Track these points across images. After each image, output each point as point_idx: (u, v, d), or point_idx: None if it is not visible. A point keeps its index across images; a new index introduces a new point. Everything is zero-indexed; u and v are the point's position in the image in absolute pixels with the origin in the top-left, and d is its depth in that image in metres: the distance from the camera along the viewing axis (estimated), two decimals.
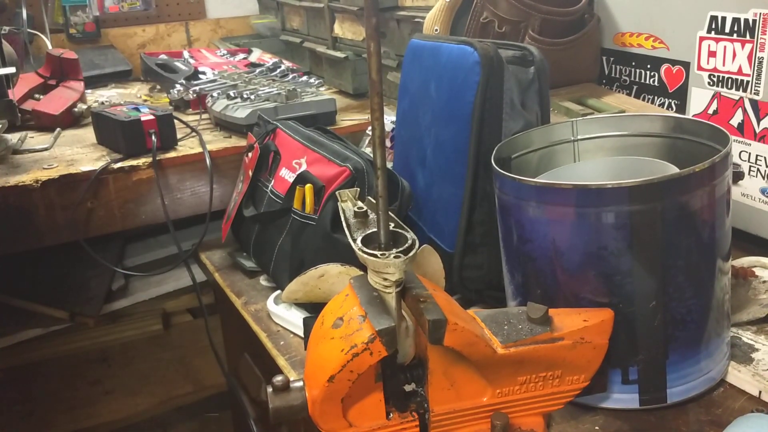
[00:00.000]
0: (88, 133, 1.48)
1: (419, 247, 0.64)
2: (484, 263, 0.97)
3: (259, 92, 1.52)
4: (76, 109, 1.61)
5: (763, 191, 1.07)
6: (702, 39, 1.11)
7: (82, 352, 1.69)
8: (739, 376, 0.80)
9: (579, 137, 0.93)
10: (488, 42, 0.95)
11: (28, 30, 1.96)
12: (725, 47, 1.08)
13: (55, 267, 1.69)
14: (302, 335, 0.96)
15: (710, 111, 1.13)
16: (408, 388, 0.69)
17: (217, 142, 1.42)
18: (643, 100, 1.27)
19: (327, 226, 0.97)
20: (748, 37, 1.04)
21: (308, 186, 1.04)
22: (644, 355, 0.74)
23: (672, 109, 1.21)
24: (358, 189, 0.77)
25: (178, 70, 1.85)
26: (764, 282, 0.95)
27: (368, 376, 0.64)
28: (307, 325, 0.89)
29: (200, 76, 1.78)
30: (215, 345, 1.35)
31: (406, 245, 0.63)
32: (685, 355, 0.75)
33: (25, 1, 1.95)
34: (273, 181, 1.14)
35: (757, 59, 1.03)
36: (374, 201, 0.64)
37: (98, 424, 1.67)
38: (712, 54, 1.10)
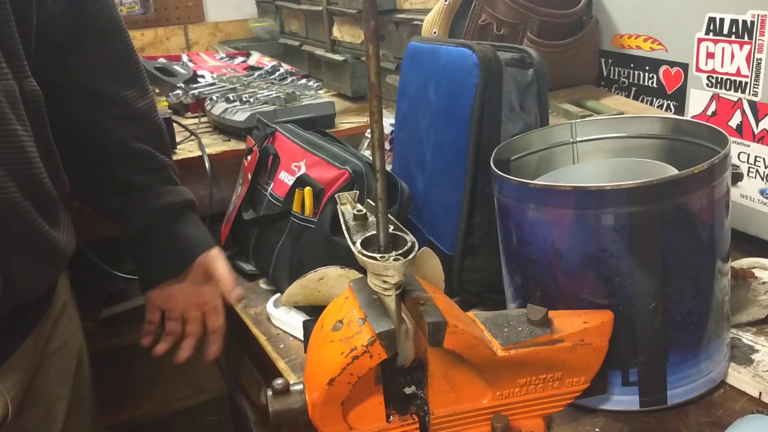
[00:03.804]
0: None
1: (419, 249, 0.64)
2: (484, 265, 0.97)
3: (258, 95, 1.52)
4: None
5: (761, 192, 1.07)
6: (700, 40, 1.11)
7: None
8: (739, 378, 0.80)
9: (578, 139, 0.93)
10: (487, 44, 0.95)
11: None
12: (723, 48, 1.08)
13: None
14: (302, 338, 0.96)
15: (709, 112, 1.13)
16: (408, 390, 0.69)
17: (216, 145, 1.42)
18: (642, 101, 1.27)
19: (326, 228, 0.97)
20: (746, 39, 1.04)
21: (307, 189, 1.04)
22: (644, 357, 0.74)
23: (671, 111, 1.21)
24: (358, 192, 0.77)
25: (177, 73, 1.85)
26: (764, 283, 0.95)
27: (368, 378, 0.64)
28: (307, 328, 0.89)
29: (199, 79, 1.78)
30: None
31: (406, 248, 0.63)
32: (685, 356, 0.75)
33: None
34: (272, 184, 1.14)
35: (755, 60, 1.04)
36: (373, 204, 0.64)
37: None
38: (710, 55, 1.10)
